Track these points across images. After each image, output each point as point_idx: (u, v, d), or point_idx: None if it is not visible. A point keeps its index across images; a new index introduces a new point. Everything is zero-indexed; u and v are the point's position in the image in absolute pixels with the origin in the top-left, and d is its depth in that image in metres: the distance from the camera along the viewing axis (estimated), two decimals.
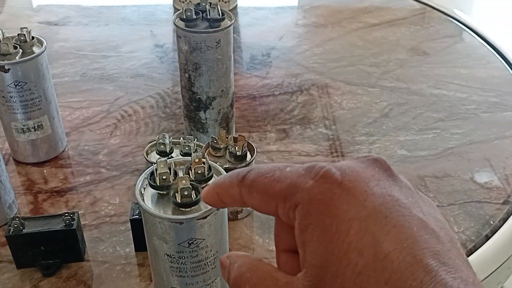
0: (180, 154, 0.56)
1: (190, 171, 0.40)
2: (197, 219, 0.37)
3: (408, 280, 0.21)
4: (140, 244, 0.51)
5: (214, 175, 0.40)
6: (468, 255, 0.53)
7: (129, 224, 0.52)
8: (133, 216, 0.51)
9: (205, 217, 0.37)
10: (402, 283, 0.21)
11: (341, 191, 0.23)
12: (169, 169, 0.39)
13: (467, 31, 1.00)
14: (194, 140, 0.56)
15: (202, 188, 0.38)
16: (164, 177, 0.39)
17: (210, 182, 0.39)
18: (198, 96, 0.61)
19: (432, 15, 1.07)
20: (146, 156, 0.56)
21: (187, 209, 0.38)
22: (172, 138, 0.57)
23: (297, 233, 0.24)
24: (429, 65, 0.88)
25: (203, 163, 0.39)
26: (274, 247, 0.53)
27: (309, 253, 0.24)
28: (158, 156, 0.56)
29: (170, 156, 0.56)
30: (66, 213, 0.50)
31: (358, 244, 0.22)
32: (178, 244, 0.38)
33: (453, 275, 0.21)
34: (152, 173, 0.39)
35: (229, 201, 0.29)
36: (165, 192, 0.39)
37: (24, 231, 0.49)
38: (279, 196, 0.25)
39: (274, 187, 0.25)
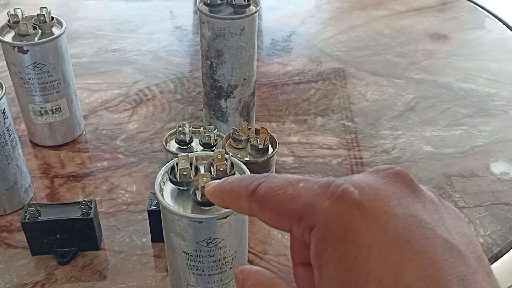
0: (200, 144, 0.54)
1: (212, 168, 0.38)
2: (217, 219, 0.36)
3: None
4: (157, 235, 0.51)
5: (237, 172, 0.38)
6: (494, 260, 0.51)
7: (146, 213, 0.51)
8: (150, 206, 0.49)
9: (225, 217, 0.36)
10: None
11: (360, 213, 0.22)
12: (190, 164, 0.38)
13: (497, 23, 0.96)
14: (214, 130, 0.54)
15: None
16: (184, 173, 0.37)
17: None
18: (220, 84, 0.60)
19: (462, 4, 1.03)
20: (165, 145, 0.55)
21: (207, 208, 0.36)
22: (192, 127, 0.56)
23: (313, 256, 0.23)
24: (457, 57, 0.85)
25: (226, 160, 0.38)
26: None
27: (326, 280, 0.22)
28: (177, 145, 0.55)
29: (189, 145, 0.55)
30: (83, 201, 0.49)
31: (378, 273, 0.21)
32: (196, 242, 0.37)
33: None
34: (172, 168, 0.38)
35: (237, 210, 0.28)
36: (185, 188, 0.38)
37: (40, 218, 0.48)
38: (293, 216, 0.24)
39: (287, 206, 0.24)
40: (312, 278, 0.25)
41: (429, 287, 0.20)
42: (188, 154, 0.38)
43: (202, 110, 0.66)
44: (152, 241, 0.52)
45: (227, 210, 0.36)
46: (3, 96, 0.49)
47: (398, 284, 0.20)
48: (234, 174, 0.38)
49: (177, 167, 0.38)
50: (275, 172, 0.55)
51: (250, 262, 0.49)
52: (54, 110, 0.61)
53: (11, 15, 0.58)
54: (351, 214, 0.22)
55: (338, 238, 0.22)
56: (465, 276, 0.21)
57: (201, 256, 0.38)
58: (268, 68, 0.82)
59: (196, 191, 0.36)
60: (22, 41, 0.56)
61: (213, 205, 0.36)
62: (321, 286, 0.23)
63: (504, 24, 0.95)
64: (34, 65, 0.57)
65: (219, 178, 0.37)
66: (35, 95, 0.59)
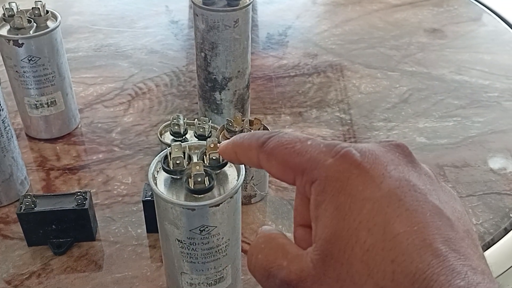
0: (194, 135, 0.55)
1: (204, 156, 0.38)
2: (210, 207, 0.36)
3: (415, 261, 0.21)
4: (152, 225, 0.51)
5: (228, 162, 0.39)
6: (486, 248, 0.52)
7: (141, 205, 0.52)
8: (145, 197, 0.50)
9: (218, 205, 0.36)
10: (409, 264, 0.21)
11: (359, 171, 0.24)
12: (183, 153, 0.38)
13: (491, 15, 0.96)
14: (209, 121, 0.55)
15: (216, 174, 0.38)
16: (177, 162, 0.38)
17: (224, 168, 0.38)
18: (214, 77, 0.60)
19: None
20: (160, 137, 0.55)
21: (200, 196, 0.37)
22: (187, 119, 0.56)
23: (312, 207, 0.25)
24: (451, 50, 0.85)
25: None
26: (286, 234, 0.52)
27: (321, 227, 0.24)
28: (172, 137, 0.55)
29: (184, 137, 0.55)
30: (79, 192, 0.50)
31: (369, 223, 0.22)
32: (190, 230, 0.38)
33: (462, 262, 0.21)
34: (165, 157, 0.38)
35: (246, 162, 0.30)
36: (178, 177, 0.38)
37: (36, 209, 0.48)
38: (298, 169, 0.26)
39: (294, 159, 0.26)
40: (308, 238, 0.27)
41: (415, 241, 0.21)
42: (181, 143, 0.39)
43: (197, 103, 0.67)
44: (147, 232, 0.52)
45: (219, 197, 0.36)
46: None
47: (386, 233, 0.22)
48: (226, 163, 0.38)
49: (170, 156, 0.38)
50: None
51: (244, 251, 0.50)
52: (49, 103, 0.61)
53: (6, 8, 0.58)
54: (351, 171, 0.24)
55: (336, 191, 0.24)
56: (451, 239, 0.22)
57: (194, 244, 0.38)
58: (263, 61, 0.82)
59: (189, 179, 0.37)
60: (17, 35, 0.57)
61: (206, 193, 0.37)
62: (316, 234, 0.24)
63: (498, 16, 0.96)
64: (29, 58, 0.57)
65: (212, 167, 0.38)
66: (30, 88, 0.60)
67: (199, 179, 0.36)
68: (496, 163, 0.62)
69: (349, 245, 0.22)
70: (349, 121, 0.68)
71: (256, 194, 0.56)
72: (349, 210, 0.23)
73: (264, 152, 0.27)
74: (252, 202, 0.56)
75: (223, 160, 0.38)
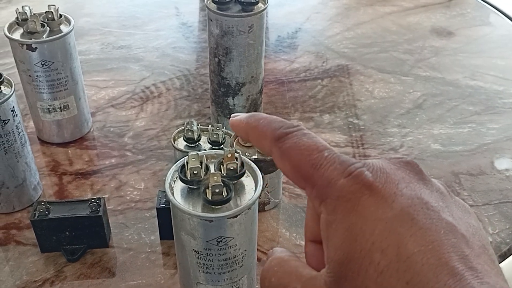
0: (208, 141, 0.54)
1: (222, 166, 0.38)
2: (228, 218, 0.36)
3: (431, 282, 0.20)
4: (165, 232, 0.51)
5: (246, 171, 0.38)
6: (503, 259, 0.51)
7: (154, 211, 0.51)
8: (159, 204, 0.50)
9: (236, 216, 0.36)
10: (425, 285, 0.20)
11: (370, 192, 0.23)
12: (201, 163, 0.38)
13: (504, 19, 0.95)
14: (222, 128, 0.54)
15: (233, 184, 0.37)
16: (195, 172, 0.37)
17: (241, 178, 0.38)
18: (227, 82, 0.60)
19: (469, 0, 1.02)
20: (173, 143, 0.55)
21: (217, 207, 0.36)
22: (200, 125, 0.56)
23: (322, 227, 0.25)
24: (465, 54, 0.84)
25: (236, 158, 0.38)
26: (301, 242, 0.52)
27: (332, 248, 0.24)
28: (185, 143, 0.55)
29: (197, 143, 0.55)
30: (92, 199, 0.49)
31: (382, 243, 0.22)
32: (207, 241, 0.37)
33: (480, 280, 0.20)
34: (182, 166, 0.38)
35: (256, 145, 0.29)
36: (195, 187, 0.38)
37: (50, 216, 0.48)
38: (309, 180, 0.25)
39: (307, 169, 0.25)
40: (319, 255, 0.27)
41: (430, 260, 0.21)
42: (198, 152, 0.38)
43: (209, 107, 0.66)
44: (160, 239, 0.52)
45: (237, 208, 0.36)
46: (12, 94, 0.49)
47: (400, 254, 0.21)
48: (244, 173, 0.38)
49: (187, 165, 0.37)
50: None
51: (258, 259, 0.49)
52: (62, 108, 0.61)
53: (19, 12, 0.58)
54: (362, 192, 0.23)
55: (347, 211, 0.23)
56: (467, 256, 0.21)
57: (211, 255, 0.38)
58: (275, 65, 0.82)
59: (207, 190, 0.36)
60: (31, 39, 0.56)
61: (224, 204, 0.36)
62: (328, 256, 0.24)
63: (511, 20, 0.95)
64: (42, 63, 0.57)
65: (229, 177, 0.37)
66: (43, 93, 0.59)
67: (217, 190, 0.36)
68: (511, 171, 0.61)
69: (363, 267, 0.22)
70: (362, 127, 0.68)
71: (270, 201, 0.55)
72: (361, 231, 0.22)
73: (278, 148, 0.26)
74: (265, 209, 0.55)
75: (240, 171, 0.38)
